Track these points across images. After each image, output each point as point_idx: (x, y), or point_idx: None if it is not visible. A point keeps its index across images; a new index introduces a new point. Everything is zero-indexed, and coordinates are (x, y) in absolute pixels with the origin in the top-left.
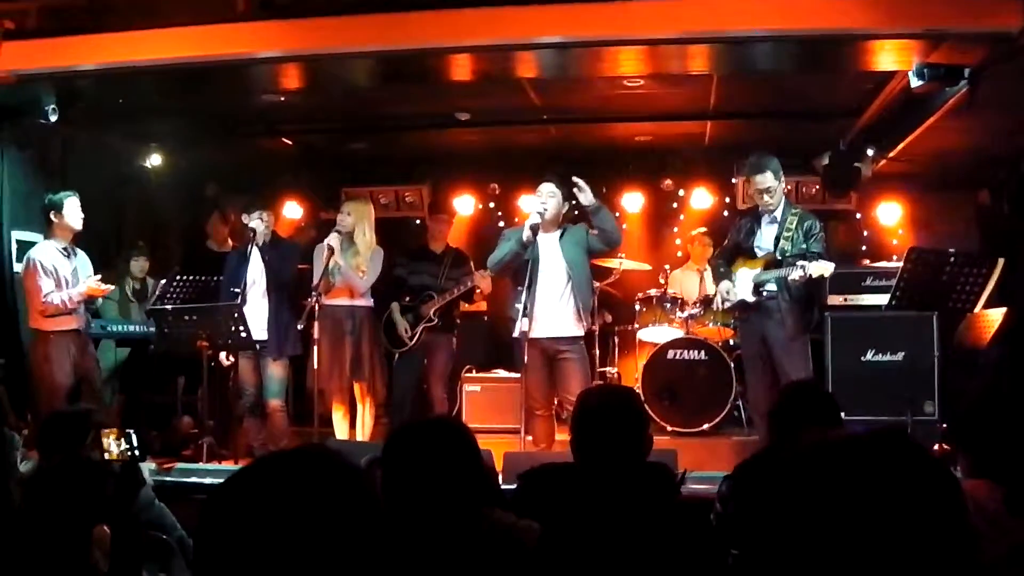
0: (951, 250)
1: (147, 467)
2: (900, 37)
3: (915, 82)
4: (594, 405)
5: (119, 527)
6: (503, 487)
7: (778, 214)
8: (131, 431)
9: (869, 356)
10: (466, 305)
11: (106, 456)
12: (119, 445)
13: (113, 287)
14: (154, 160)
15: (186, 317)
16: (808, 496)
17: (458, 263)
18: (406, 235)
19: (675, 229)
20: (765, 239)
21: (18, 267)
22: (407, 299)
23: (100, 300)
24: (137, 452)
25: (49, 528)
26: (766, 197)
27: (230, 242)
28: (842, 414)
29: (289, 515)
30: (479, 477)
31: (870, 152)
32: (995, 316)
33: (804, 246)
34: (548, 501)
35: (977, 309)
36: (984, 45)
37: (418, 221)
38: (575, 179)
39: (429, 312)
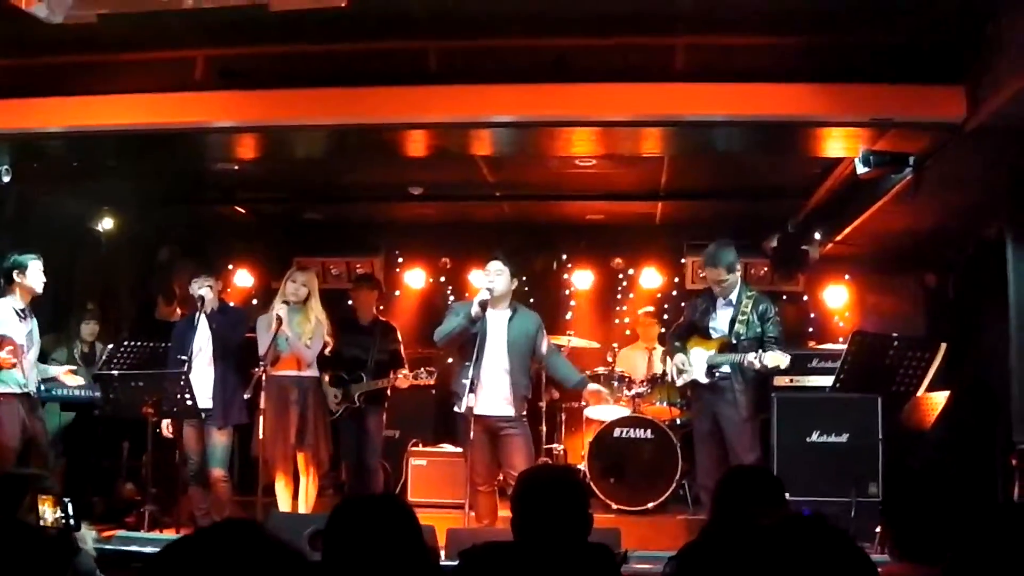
0: (894, 334)
1: (90, 534)
2: (848, 125)
3: (861, 168)
4: (535, 483)
5: None
6: (445, 563)
7: (733, 297)
8: (67, 499)
9: (814, 437)
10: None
11: (40, 523)
12: (54, 512)
13: (82, 381)
14: (107, 223)
15: (132, 383)
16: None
17: (385, 334)
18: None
19: (624, 308)
20: (720, 321)
21: None
22: (340, 371)
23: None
24: (72, 521)
25: None
26: (718, 288)
27: (178, 311)
28: (787, 495)
29: None
30: (419, 554)
31: (818, 235)
32: (939, 399)
33: (760, 330)
34: None
35: (920, 392)
36: (929, 133)
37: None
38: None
39: (355, 395)
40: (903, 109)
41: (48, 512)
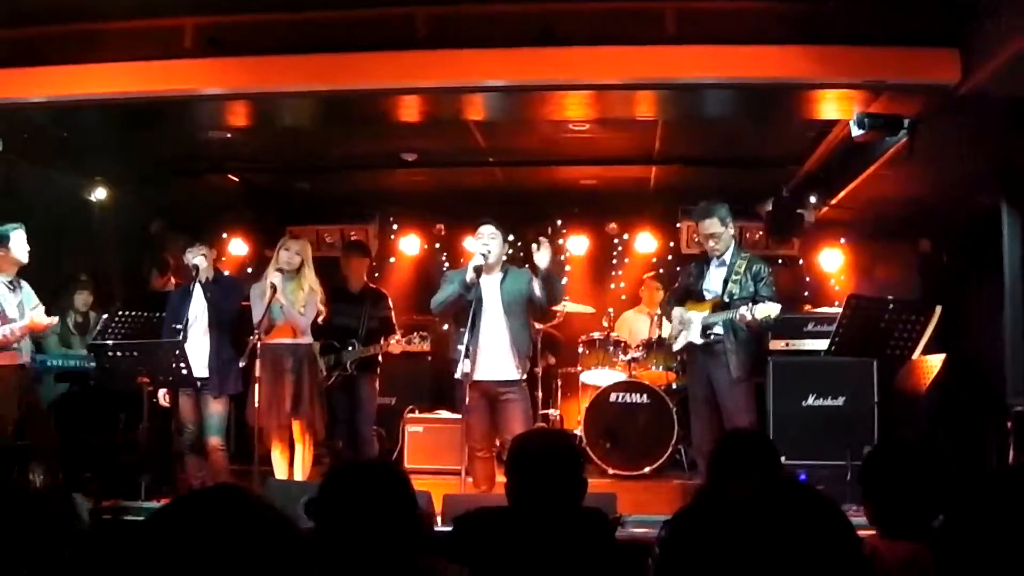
0: (889, 298)
1: (85, 504)
2: (841, 87)
3: (856, 131)
4: (529, 449)
5: (50, 560)
6: (441, 529)
7: (727, 258)
8: (57, 465)
9: (810, 401)
10: (407, 346)
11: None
12: (42, 480)
13: (55, 320)
14: (99, 194)
15: (127, 353)
16: (727, 545)
17: (376, 301)
18: None
19: (619, 272)
20: (713, 282)
21: None
22: (331, 340)
23: (46, 332)
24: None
25: None
26: (712, 243)
27: (172, 281)
28: (783, 458)
29: (205, 554)
30: (412, 521)
31: (813, 199)
32: (934, 362)
33: (753, 289)
34: (482, 545)
35: (915, 356)
36: (923, 96)
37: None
38: (541, 238)
39: (347, 361)
40: (896, 72)
41: (39, 480)
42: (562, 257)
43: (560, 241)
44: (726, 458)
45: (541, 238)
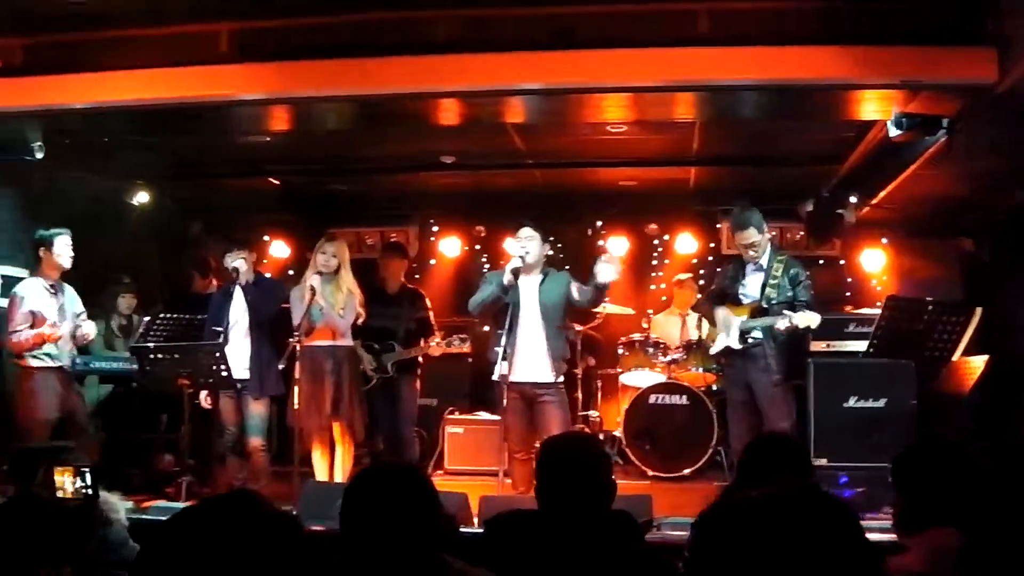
0: (928, 299)
1: (123, 505)
2: (877, 87)
3: (893, 131)
4: (556, 453)
5: (78, 567)
6: (472, 530)
7: (764, 261)
8: (86, 469)
9: (851, 402)
10: (446, 348)
11: (60, 495)
12: (74, 483)
13: (94, 331)
14: (139, 198)
15: (168, 355)
16: (743, 547)
17: (413, 302)
18: None
19: (659, 274)
20: (751, 287)
21: (2, 302)
22: (371, 341)
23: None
24: (92, 491)
25: None
26: (751, 252)
27: (213, 283)
28: (824, 460)
29: (219, 559)
30: (435, 524)
31: (853, 199)
32: (977, 363)
33: (791, 293)
34: (513, 548)
35: (955, 358)
36: (961, 96)
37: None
38: (611, 255)
39: (387, 364)
40: (933, 71)
41: (68, 483)
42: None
43: (600, 242)
44: (755, 461)
45: (611, 254)
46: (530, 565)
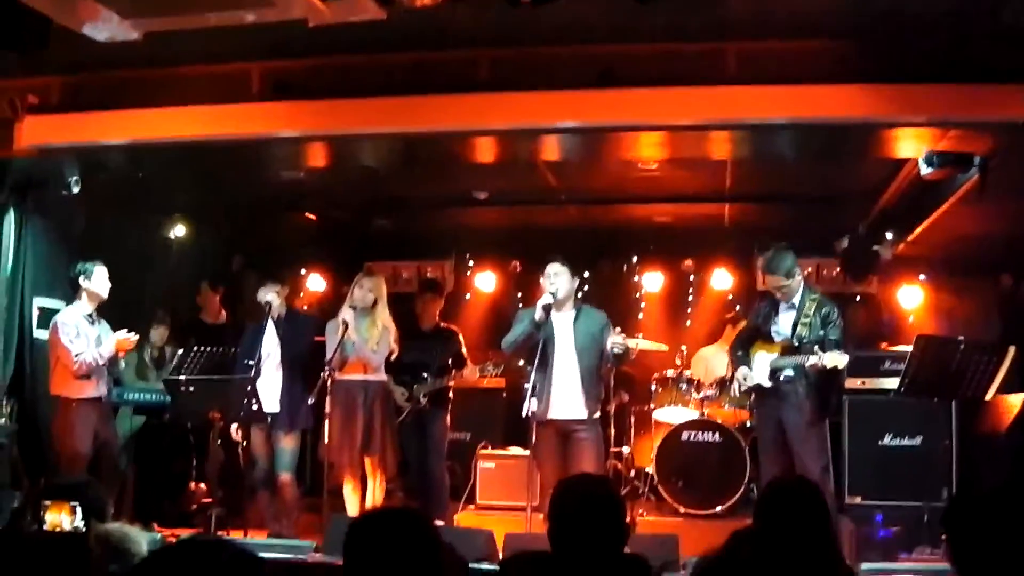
0: (960, 338)
1: (148, 537)
2: (906, 126)
3: (925, 169)
4: (569, 495)
5: None
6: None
7: (796, 299)
8: (75, 504)
9: (886, 440)
10: (484, 382)
11: (51, 529)
12: (71, 520)
13: (136, 336)
14: (177, 232)
15: (200, 388)
16: None
17: (448, 339)
18: None
19: (693, 310)
20: (783, 324)
21: (39, 333)
22: (403, 376)
23: (122, 363)
24: (83, 527)
25: None
26: (779, 294)
27: (223, 314)
28: (858, 499)
29: None
30: (437, 570)
31: (889, 236)
32: (1015, 401)
33: (822, 332)
34: None
35: (989, 396)
36: (993, 133)
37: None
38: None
39: (420, 394)
40: (963, 110)
41: (65, 520)
42: (637, 294)
43: (636, 278)
44: (771, 507)
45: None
46: None
